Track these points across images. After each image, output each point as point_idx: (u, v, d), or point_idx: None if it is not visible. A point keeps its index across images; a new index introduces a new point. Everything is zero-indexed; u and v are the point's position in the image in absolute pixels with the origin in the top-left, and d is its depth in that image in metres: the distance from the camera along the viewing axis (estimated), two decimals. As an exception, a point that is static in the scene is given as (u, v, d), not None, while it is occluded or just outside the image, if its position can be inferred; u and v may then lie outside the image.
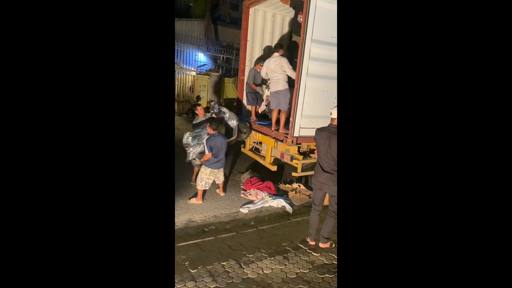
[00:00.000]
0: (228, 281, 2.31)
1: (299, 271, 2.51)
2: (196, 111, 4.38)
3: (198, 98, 11.08)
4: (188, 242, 2.85)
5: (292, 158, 4.08)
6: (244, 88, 5.33)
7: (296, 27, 4.48)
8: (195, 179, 4.00)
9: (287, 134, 4.02)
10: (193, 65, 12.74)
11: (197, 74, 11.79)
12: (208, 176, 3.83)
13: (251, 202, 4.11)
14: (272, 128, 4.42)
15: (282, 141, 4.12)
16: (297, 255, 2.75)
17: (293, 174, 4.25)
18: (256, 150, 5.11)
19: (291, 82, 4.16)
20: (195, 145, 3.86)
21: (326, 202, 2.96)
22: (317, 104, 3.96)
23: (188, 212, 3.63)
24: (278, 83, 4.22)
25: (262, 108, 5.39)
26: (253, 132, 4.79)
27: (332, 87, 3.97)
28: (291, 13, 5.38)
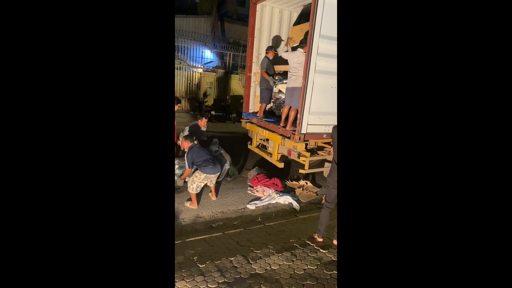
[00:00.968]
0: (236, 276, 2.33)
1: (306, 267, 2.52)
2: (179, 143, 4.05)
3: (205, 95, 11.11)
4: (196, 238, 2.88)
5: (299, 155, 4.06)
6: (259, 83, 5.18)
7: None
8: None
9: (294, 131, 4.00)
10: (200, 62, 12.75)
11: (203, 71, 11.82)
12: (201, 180, 3.66)
13: (258, 198, 4.12)
14: (281, 124, 4.40)
15: (289, 138, 4.10)
16: (305, 252, 2.75)
17: (300, 171, 4.24)
18: (263, 147, 5.11)
19: None
20: (183, 173, 3.85)
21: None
22: (325, 100, 3.92)
23: (196, 208, 3.67)
24: (296, 80, 4.12)
25: (269, 105, 5.37)
26: (260, 129, 4.79)
27: (340, 83, 3.93)
28: (298, 8, 5.35)
